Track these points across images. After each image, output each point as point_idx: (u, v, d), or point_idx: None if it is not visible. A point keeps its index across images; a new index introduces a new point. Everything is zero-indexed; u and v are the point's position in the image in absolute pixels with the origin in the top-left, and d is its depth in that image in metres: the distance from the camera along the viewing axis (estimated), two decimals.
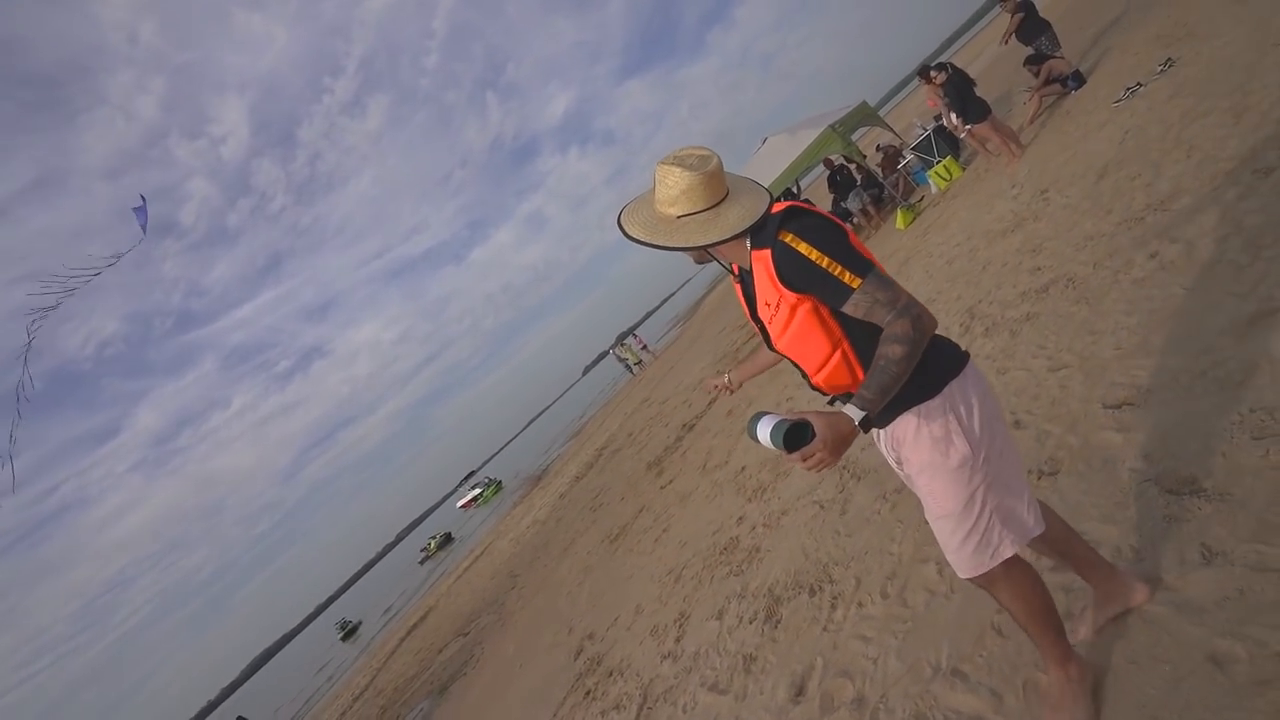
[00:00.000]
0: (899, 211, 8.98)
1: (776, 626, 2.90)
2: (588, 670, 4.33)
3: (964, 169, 9.00)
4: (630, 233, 1.40)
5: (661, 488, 7.19)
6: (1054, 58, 8.13)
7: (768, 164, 10.60)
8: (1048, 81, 7.95)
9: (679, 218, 1.37)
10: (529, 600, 7.86)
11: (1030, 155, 6.86)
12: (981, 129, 7.36)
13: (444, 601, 14.37)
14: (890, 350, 1.21)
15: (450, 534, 33.53)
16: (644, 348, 26.29)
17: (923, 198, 9.65)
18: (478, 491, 38.25)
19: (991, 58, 19.76)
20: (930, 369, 1.34)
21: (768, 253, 1.33)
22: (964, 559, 1.41)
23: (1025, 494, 1.42)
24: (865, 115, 10.95)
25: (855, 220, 11.31)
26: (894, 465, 1.55)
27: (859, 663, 2.25)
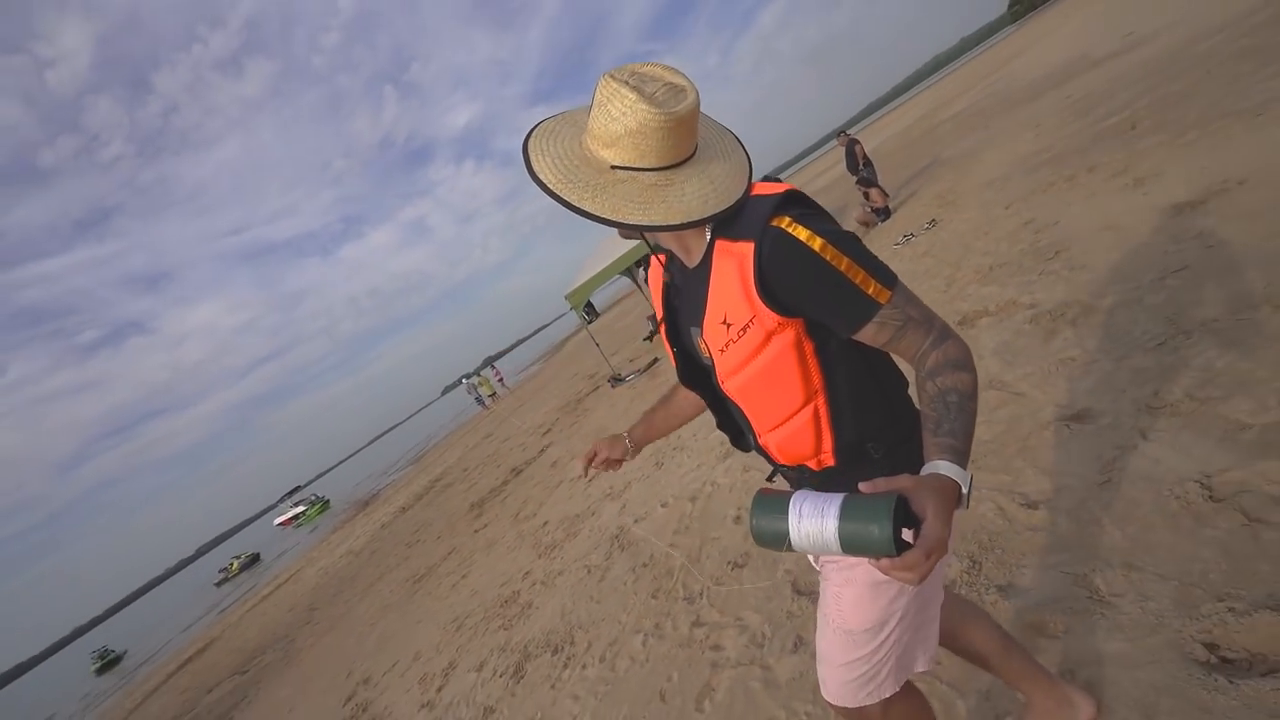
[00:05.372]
0: None
1: (519, 681, 3.22)
2: (352, 717, 4.35)
3: None
4: (536, 169, 0.93)
5: (475, 531, 7.32)
6: (876, 187, 9.68)
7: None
8: (874, 211, 9.43)
9: (615, 168, 0.92)
10: (321, 638, 7.52)
11: None
12: None
13: (230, 633, 13.06)
14: (958, 380, 0.86)
15: (258, 555, 30.42)
16: (500, 380, 26.09)
17: None
18: (300, 510, 35.16)
19: (835, 176, 22.67)
20: (902, 433, 1.03)
21: (749, 247, 0.93)
22: (838, 685, 1.14)
23: (934, 626, 1.15)
24: None
25: None
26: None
27: (564, 718, 2.64)
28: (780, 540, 0.77)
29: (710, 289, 1.01)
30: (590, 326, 19.21)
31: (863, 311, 0.91)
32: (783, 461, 1.10)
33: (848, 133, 10.79)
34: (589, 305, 16.08)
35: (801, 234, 0.90)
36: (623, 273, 12.01)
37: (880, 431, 1.01)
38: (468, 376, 26.94)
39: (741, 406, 1.08)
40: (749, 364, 1.00)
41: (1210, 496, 1.72)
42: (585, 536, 4.68)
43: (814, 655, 2.09)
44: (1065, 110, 8.44)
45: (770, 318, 0.94)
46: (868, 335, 0.92)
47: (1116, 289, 3.12)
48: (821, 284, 0.90)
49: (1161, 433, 2.06)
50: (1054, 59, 15.41)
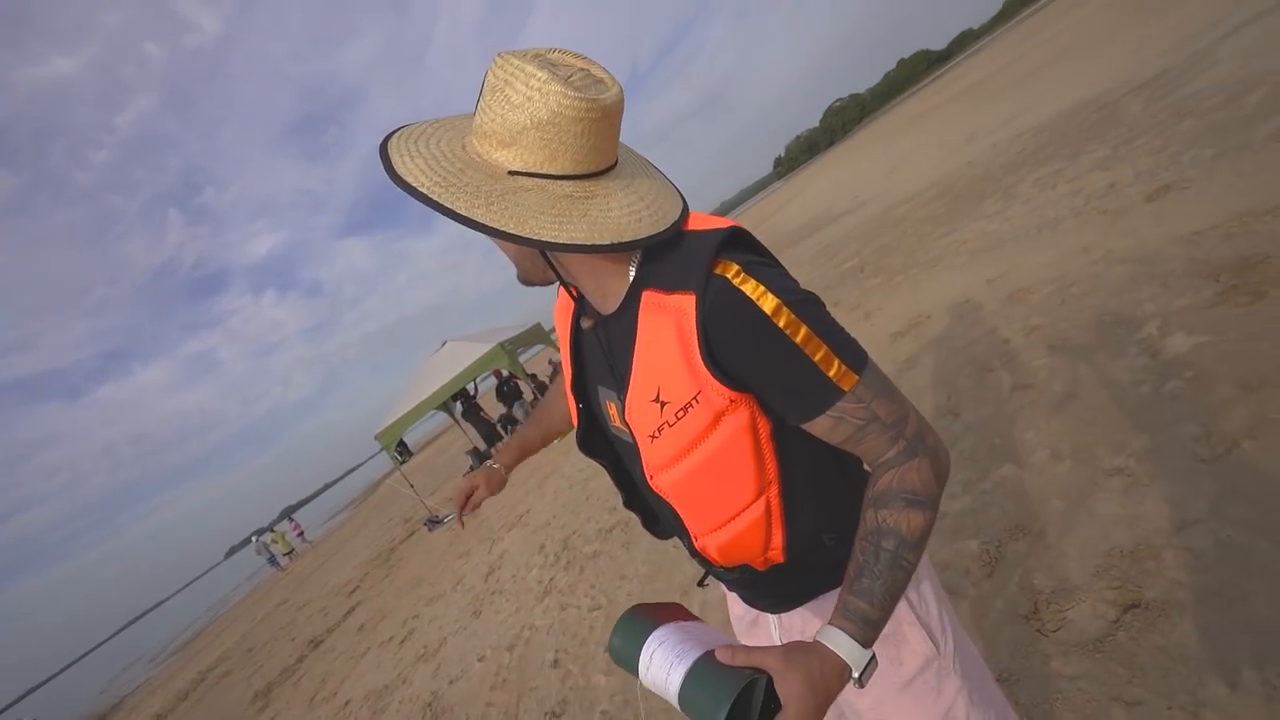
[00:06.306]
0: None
1: None
2: None
3: None
4: (401, 170, 0.68)
5: None
6: None
7: (446, 366, 11.18)
8: None
9: (515, 174, 0.70)
10: None
11: None
12: None
13: None
14: (905, 521, 0.70)
15: None
16: (300, 535, 22.94)
17: None
18: None
19: None
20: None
21: (688, 300, 0.72)
22: None
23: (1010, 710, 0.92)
24: (537, 336, 12.55)
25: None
26: None
27: None
28: (632, 671, 0.69)
29: (636, 354, 0.79)
30: (404, 467, 18.07)
31: (819, 399, 0.72)
32: (722, 564, 0.89)
33: None
34: (401, 444, 15.18)
35: (751, 290, 0.70)
36: (439, 408, 11.68)
37: (839, 519, 0.84)
38: (259, 534, 23.28)
39: (674, 506, 0.85)
40: (689, 454, 0.78)
41: None
42: (394, 711, 4.14)
43: None
44: (818, 254, 10.27)
45: (720, 393, 0.73)
46: (820, 429, 0.74)
47: None
48: (771, 358, 0.70)
49: None
50: (808, 213, 18.85)
